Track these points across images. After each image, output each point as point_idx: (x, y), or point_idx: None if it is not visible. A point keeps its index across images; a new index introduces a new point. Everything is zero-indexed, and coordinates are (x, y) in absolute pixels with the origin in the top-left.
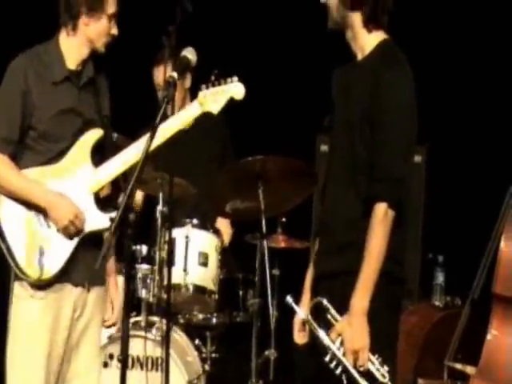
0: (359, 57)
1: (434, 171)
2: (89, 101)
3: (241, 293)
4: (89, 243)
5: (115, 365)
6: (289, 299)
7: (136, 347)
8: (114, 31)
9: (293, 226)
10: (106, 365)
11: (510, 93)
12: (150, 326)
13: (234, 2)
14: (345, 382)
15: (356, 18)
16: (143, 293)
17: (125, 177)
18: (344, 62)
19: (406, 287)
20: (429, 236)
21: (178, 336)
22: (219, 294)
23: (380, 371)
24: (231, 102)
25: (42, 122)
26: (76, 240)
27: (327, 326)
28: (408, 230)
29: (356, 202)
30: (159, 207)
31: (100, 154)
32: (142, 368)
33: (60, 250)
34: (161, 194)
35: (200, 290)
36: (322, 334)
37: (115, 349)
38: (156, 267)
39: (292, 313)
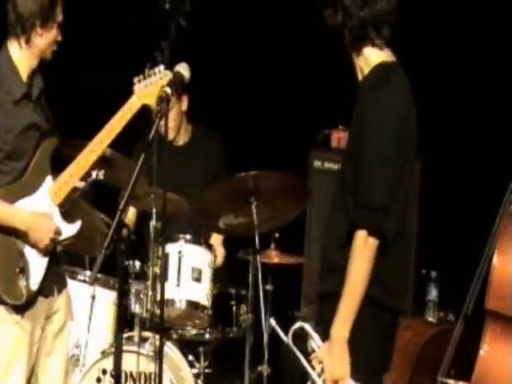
0: (359, 77)
1: (428, 187)
2: (41, 111)
3: (234, 308)
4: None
5: (108, 380)
6: (272, 322)
7: (129, 362)
8: (60, 38)
9: (286, 241)
10: (99, 380)
11: (506, 104)
12: (143, 341)
13: (227, 20)
14: None
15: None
16: (136, 308)
17: (118, 192)
18: (333, 79)
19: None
20: (422, 251)
21: (171, 351)
22: (212, 310)
23: None
24: (226, 119)
25: (7, 142)
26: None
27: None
28: (404, 258)
29: (345, 226)
30: (152, 222)
31: (59, 162)
32: (135, 383)
33: (37, 267)
34: (154, 210)
35: (193, 305)
36: (302, 360)
37: (108, 364)
38: (149, 282)
39: (284, 329)
